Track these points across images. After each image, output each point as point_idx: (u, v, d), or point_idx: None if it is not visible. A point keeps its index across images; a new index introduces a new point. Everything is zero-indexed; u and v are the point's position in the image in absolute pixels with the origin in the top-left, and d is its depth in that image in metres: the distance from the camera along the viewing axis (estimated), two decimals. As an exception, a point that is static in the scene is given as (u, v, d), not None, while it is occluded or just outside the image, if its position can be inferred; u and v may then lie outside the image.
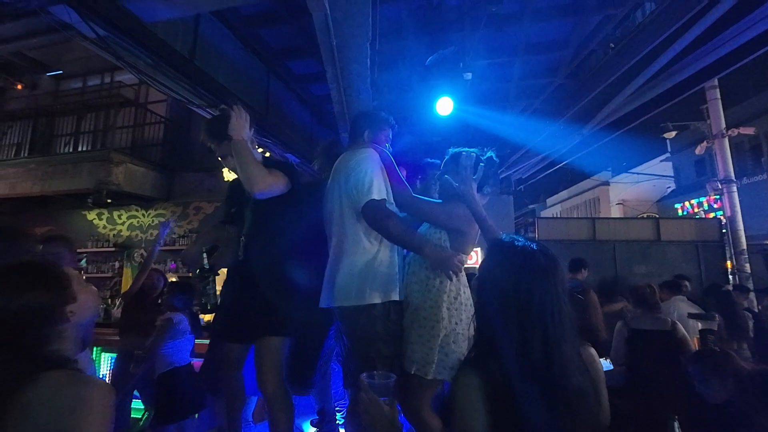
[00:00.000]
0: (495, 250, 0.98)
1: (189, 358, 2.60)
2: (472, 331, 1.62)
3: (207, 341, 2.52)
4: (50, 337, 0.94)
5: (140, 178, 6.65)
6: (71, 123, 7.29)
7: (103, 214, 7.26)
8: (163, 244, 3.50)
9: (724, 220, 7.49)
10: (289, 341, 1.86)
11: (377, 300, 1.62)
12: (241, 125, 1.74)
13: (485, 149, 1.86)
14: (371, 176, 1.64)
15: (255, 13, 4.14)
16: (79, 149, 7.08)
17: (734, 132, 7.72)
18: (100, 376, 3.28)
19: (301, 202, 1.94)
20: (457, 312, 1.67)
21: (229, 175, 5.17)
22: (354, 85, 3.84)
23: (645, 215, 13.65)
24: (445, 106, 3.86)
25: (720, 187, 7.58)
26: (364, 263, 1.65)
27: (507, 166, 6.93)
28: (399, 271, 1.73)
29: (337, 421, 2.47)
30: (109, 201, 6.51)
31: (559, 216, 19.66)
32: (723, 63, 3.68)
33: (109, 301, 5.87)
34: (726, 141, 7.68)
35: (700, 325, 3.28)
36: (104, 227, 7.25)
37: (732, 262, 7.17)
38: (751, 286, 6.36)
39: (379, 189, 1.64)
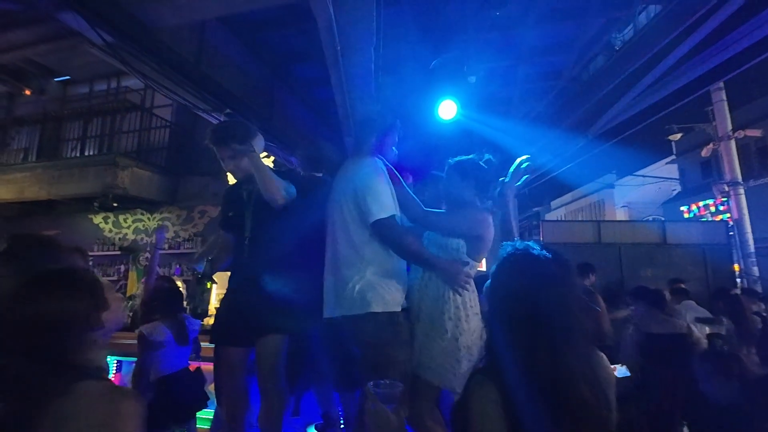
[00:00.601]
0: (508, 257, 0.96)
1: (180, 364, 2.50)
2: (483, 338, 1.64)
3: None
4: (85, 344, 0.94)
5: (146, 181, 6.70)
6: (78, 128, 7.36)
7: (109, 217, 7.31)
8: (163, 247, 3.50)
9: (731, 223, 7.43)
10: (287, 339, 1.87)
11: (382, 308, 1.62)
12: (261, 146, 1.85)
13: (483, 154, 1.87)
14: (380, 191, 1.63)
15: (260, 18, 4.18)
16: (86, 154, 7.14)
17: (741, 134, 7.67)
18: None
19: (301, 205, 1.98)
20: (467, 319, 1.67)
21: (233, 179, 5.18)
22: (358, 89, 3.85)
23: (650, 218, 13.56)
24: (448, 109, 3.86)
25: (727, 189, 7.52)
26: (369, 272, 1.65)
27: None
28: (404, 278, 1.73)
29: (341, 426, 2.46)
30: (115, 205, 6.55)
31: (563, 218, 19.57)
32: (729, 65, 3.66)
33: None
34: (732, 143, 7.63)
35: (707, 329, 3.25)
36: (110, 231, 7.30)
37: (740, 265, 7.10)
38: (759, 289, 6.28)
39: (388, 205, 1.63)
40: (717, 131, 7.78)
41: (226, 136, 1.92)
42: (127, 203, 6.83)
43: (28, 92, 7.22)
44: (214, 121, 4.04)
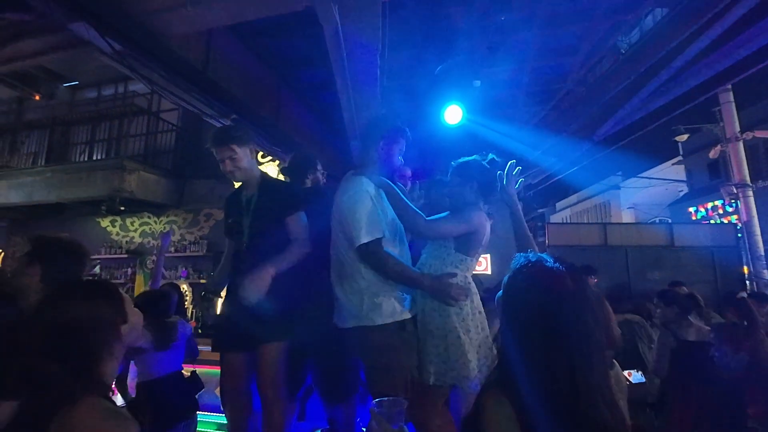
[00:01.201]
0: (522, 269, 0.94)
1: (165, 369, 2.47)
2: (483, 339, 1.65)
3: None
4: (104, 354, 0.96)
5: (152, 185, 6.76)
6: (86, 132, 7.44)
7: (117, 221, 7.39)
8: (169, 250, 3.52)
9: (740, 225, 7.35)
10: (287, 346, 1.87)
11: (390, 319, 1.65)
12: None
13: (485, 154, 1.86)
14: (361, 216, 1.64)
15: (267, 24, 4.21)
16: (94, 158, 7.22)
17: (749, 136, 7.58)
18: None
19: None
20: (472, 317, 1.67)
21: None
22: (363, 94, 3.87)
23: (657, 219, 13.45)
24: (454, 114, 3.87)
25: (735, 191, 7.45)
26: (371, 285, 1.67)
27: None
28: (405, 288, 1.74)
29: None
30: (122, 208, 6.61)
31: (568, 220, 19.45)
32: (737, 68, 3.64)
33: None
34: (740, 144, 7.55)
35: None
36: (117, 234, 7.38)
37: (749, 267, 7.02)
38: (768, 292, 6.21)
39: (370, 229, 1.64)
40: (725, 133, 7.71)
41: (226, 138, 1.93)
42: (134, 206, 6.90)
43: (37, 97, 7.30)
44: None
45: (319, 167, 2.45)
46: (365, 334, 1.66)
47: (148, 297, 2.67)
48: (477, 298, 1.75)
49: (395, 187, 1.76)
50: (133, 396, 2.50)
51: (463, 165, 1.84)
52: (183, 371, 2.62)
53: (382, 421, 0.94)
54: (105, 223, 7.44)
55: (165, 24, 3.02)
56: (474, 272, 1.84)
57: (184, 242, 6.95)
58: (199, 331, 3.20)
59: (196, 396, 2.63)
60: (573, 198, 19.60)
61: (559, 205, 20.68)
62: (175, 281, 6.40)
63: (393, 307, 1.66)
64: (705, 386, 2.39)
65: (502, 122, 5.55)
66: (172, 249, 6.82)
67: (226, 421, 2.04)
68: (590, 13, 3.98)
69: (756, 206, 7.38)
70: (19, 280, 1.48)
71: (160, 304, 2.56)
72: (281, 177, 4.32)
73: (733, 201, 7.89)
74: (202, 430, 2.94)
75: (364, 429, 2.50)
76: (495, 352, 1.63)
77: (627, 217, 15.88)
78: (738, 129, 7.55)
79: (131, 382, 2.56)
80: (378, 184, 1.75)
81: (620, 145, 5.78)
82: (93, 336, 0.95)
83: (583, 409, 0.78)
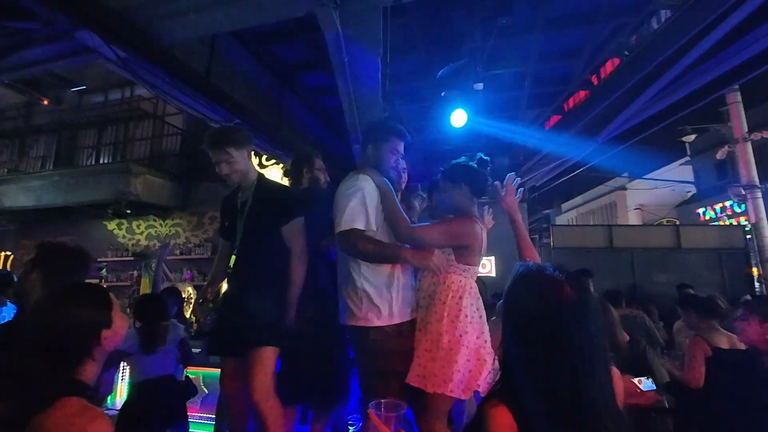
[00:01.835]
0: (522, 278, 0.93)
1: (153, 372, 2.46)
2: (482, 344, 1.63)
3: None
4: (84, 358, 0.99)
5: (158, 188, 6.82)
6: (93, 136, 7.53)
7: (123, 223, 7.47)
8: (171, 253, 3.54)
9: (749, 226, 7.25)
10: (278, 352, 1.85)
11: (384, 321, 1.64)
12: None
13: (475, 154, 1.86)
14: (346, 205, 1.66)
15: (269, 29, 4.24)
16: (101, 161, 7.31)
17: (757, 136, 7.48)
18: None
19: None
20: (471, 321, 1.65)
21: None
22: (365, 97, 3.88)
23: (664, 221, 13.30)
24: (459, 118, 3.85)
25: (743, 192, 7.35)
26: (369, 284, 1.67)
27: (520, 173, 6.87)
28: (408, 289, 1.74)
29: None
30: (128, 211, 6.69)
31: (574, 221, 19.30)
32: (742, 69, 3.59)
33: (128, 309, 6.02)
34: (748, 145, 7.45)
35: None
36: (123, 237, 7.46)
37: (758, 269, 6.92)
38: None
39: (349, 218, 1.64)
40: (732, 133, 7.61)
41: (221, 140, 1.89)
42: (140, 209, 6.97)
43: (45, 102, 7.41)
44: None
45: (317, 164, 2.38)
46: (362, 334, 1.66)
47: (143, 300, 2.70)
48: (480, 303, 1.73)
49: (392, 189, 1.77)
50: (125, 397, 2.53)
51: (451, 169, 1.84)
52: (173, 375, 2.58)
53: (379, 423, 0.92)
54: (111, 225, 7.53)
55: (168, 31, 3.05)
56: (479, 274, 1.82)
57: (189, 245, 7.01)
58: (191, 333, 3.20)
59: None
60: (579, 199, 19.46)
61: (564, 206, 20.54)
62: (180, 284, 6.47)
63: (391, 310, 1.66)
64: (750, 397, 2.24)
65: (505, 123, 5.53)
66: (177, 252, 6.89)
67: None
68: (593, 16, 3.96)
69: (765, 207, 7.28)
70: (22, 286, 1.52)
71: (154, 307, 2.58)
72: (285, 180, 4.33)
73: (741, 202, 7.79)
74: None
75: None
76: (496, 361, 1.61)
77: (634, 217, 15.72)
78: (746, 129, 7.46)
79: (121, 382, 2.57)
80: (378, 184, 1.75)
81: (626, 146, 5.72)
82: (72, 340, 0.98)
83: (585, 421, 0.76)
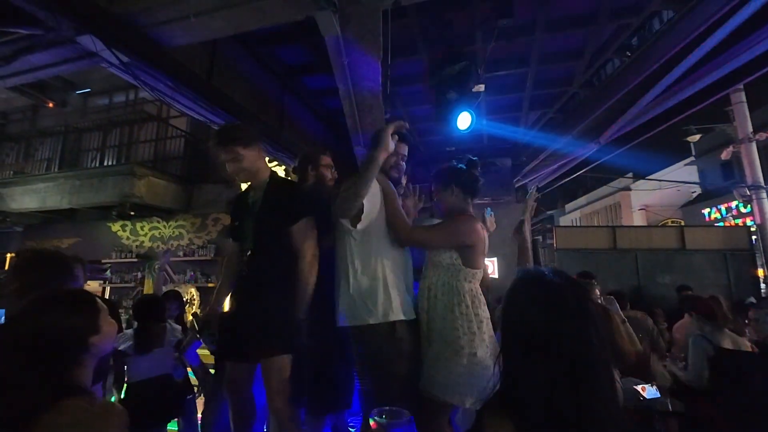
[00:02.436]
0: (521, 285, 0.92)
1: (150, 372, 2.50)
2: (485, 350, 1.62)
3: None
4: (73, 364, 1.00)
5: (161, 190, 6.87)
6: (98, 138, 7.60)
7: (127, 225, 7.53)
8: (175, 255, 3.56)
9: (755, 227, 7.18)
10: (292, 359, 1.80)
11: (377, 320, 1.63)
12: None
13: (463, 156, 1.86)
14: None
15: (270, 32, 4.26)
16: (105, 164, 7.38)
17: (762, 136, 7.42)
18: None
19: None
20: (480, 331, 1.63)
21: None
22: (366, 100, 3.88)
23: (669, 221, 13.21)
24: (464, 121, 3.85)
25: (748, 193, 7.28)
26: (362, 284, 1.67)
27: (523, 174, 6.84)
28: (402, 290, 1.73)
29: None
30: (132, 213, 6.75)
31: (578, 222, 19.22)
32: (746, 69, 3.56)
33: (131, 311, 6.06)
34: (753, 145, 7.38)
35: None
36: (127, 238, 7.51)
37: (764, 270, 6.84)
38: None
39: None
40: (737, 133, 7.55)
41: (228, 139, 1.85)
42: (144, 211, 7.03)
43: (51, 105, 7.50)
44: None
45: (324, 160, 2.30)
46: (357, 334, 1.66)
47: (141, 301, 2.76)
48: (484, 308, 1.71)
49: (396, 192, 1.78)
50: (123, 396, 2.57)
51: (439, 173, 1.85)
52: (170, 375, 2.60)
53: (381, 430, 0.92)
54: (116, 227, 7.59)
55: (169, 35, 3.08)
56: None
57: (193, 246, 7.05)
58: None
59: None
60: (582, 200, 19.38)
61: (568, 206, 20.45)
62: (183, 285, 6.51)
63: (385, 308, 1.65)
64: (752, 398, 2.20)
65: (507, 124, 5.53)
66: (181, 253, 6.93)
67: None
68: (594, 17, 3.94)
69: (771, 208, 7.20)
70: (2, 292, 1.51)
71: (151, 308, 2.63)
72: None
73: (746, 203, 7.71)
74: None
75: None
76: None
77: (638, 218, 15.62)
78: (751, 129, 7.39)
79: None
80: (382, 186, 1.76)
81: (630, 146, 5.68)
82: (59, 346, 0.98)
83: (587, 430, 0.75)
